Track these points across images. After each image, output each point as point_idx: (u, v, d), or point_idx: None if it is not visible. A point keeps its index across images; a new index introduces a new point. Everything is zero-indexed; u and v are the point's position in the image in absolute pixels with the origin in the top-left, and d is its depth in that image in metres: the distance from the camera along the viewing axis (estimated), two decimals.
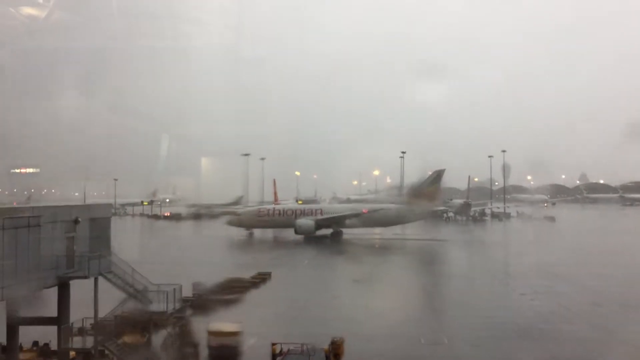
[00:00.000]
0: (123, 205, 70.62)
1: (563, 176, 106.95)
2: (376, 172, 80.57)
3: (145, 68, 55.50)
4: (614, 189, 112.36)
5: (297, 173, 68.11)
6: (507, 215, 78.11)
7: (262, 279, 28.17)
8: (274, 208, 56.00)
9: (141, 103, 54.67)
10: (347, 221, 50.80)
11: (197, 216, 63.97)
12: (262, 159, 59.98)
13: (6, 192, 58.22)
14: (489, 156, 70.84)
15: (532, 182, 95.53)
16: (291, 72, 56.46)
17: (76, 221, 16.11)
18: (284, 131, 59.14)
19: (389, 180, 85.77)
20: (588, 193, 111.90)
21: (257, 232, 51.56)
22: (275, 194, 66.90)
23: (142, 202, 68.62)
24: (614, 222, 69.15)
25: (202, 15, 61.91)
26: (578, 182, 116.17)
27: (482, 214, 77.34)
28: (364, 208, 52.37)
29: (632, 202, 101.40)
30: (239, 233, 50.45)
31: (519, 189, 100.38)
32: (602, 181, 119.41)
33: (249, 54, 60.29)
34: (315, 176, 67.27)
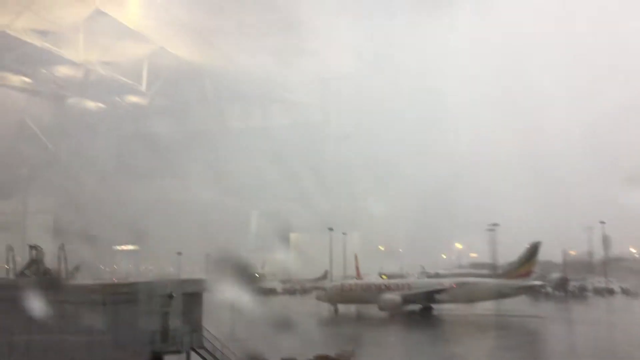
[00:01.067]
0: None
1: None
2: (459, 246, 78.06)
3: (235, 147, 57.85)
4: None
5: (381, 247, 67.29)
6: (611, 291, 72.49)
7: (347, 357, 27.58)
8: (357, 283, 54.95)
9: (233, 181, 56.71)
10: (437, 296, 48.70)
11: (288, 291, 64.33)
12: (344, 233, 59.97)
13: (107, 269, 61.17)
14: (588, 227, 66.49)
15: (637, 255, 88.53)
16: (375, 149, 56.96)
17: (170, 296, 16.69)
18: (368, 206, 59.07)
19: (475, 255, 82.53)
20: None
21: (343, 308, 50.66)
22: (357, 268, 66.20)
23: None
24: None
25: (289, 95, 64.45)
26: None
27: (583, 289, 72.25)
28: (454, 282, 50.16)
29: None
30: (327, 308, 49.87)
31: (621, 262, 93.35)
32: None
33: (335, 130, 61.81)
34: (400, 250, 66.08)
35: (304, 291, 62.00)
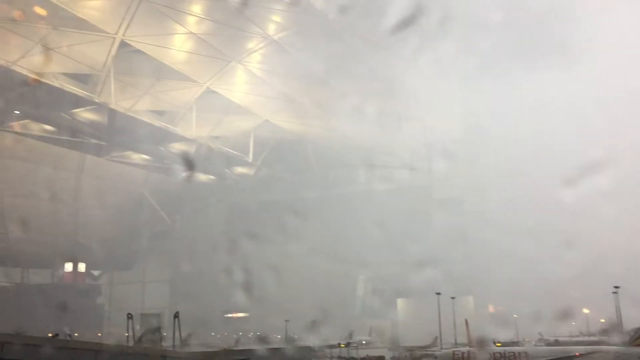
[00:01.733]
0: (322, 347, 71.44)
1: None
2: (586, 311, 72.40)
3: (338, 212, 58.53)
4: None
5: (491, 309, 64.02)
6: None
7: None
8: (468, 351, 52.23)
9: (340, 246, 57.07)
10: None
11: (397, 359, 62.34)
12: (452, 297, 57.72)
13: (218, 336, 62.59)
14: None
15: None
16: (485, 211, 55.31)
17: None
18: (480, 269, 56.78)
19: (603, 320, 75.82)
20: None
21: None
22: (468, 335, 62.93)
23: (339, 344, 68.79)
24: None
25: (392, 160, 64.76)
26: None
27: None
28: (577, 351, 46.24)
29: None
30: None
31: None
32: None
33: (441, 194, 60.95)
34: (515, 316, 62.42)
35: (413, 359, 59.77)
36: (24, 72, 44.78)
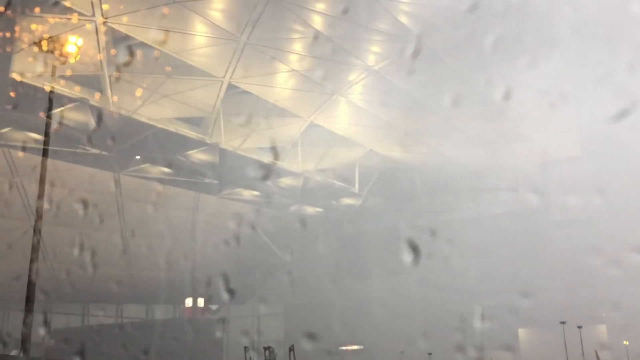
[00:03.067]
0: None
1: None
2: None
3: (449, 239, 56.77)
4: None
5: (626, 342, 58.81)
6: None
7: None
8: None
9: (448, 275, 55.39)
10: None
11: None
12: (579, 327, 53.82)
13: None
14: None
15: None
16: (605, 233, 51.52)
17: None
18: (607, 294, 52.64)
19: None
20: None
21: None
22: None
23: None
24: None
25: (501, 183, 62.53)
26: None
27: None
28: None
29: None
30: None
31: None
32: None
33: (557, 216, 57.87)
34: None
35: None
36: (143, 119, 48.11)
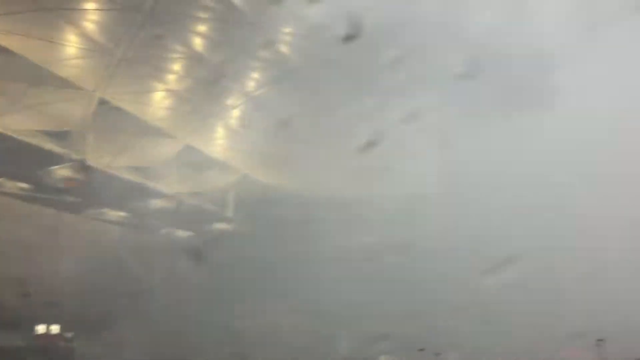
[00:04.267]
0: None
1: None
2: None
3: (318, 269, 57.81)
4: None
5: None
6: None
7: None
8: None
9: (320, 306, 56.33)
10: None
11: None
12: None
13: None
14: None
15: None
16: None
17: None
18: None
19: None
20: None
21: None
22: None
23: None
24: None
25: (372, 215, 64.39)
26: None
27: None
28: None
29: None
30: None
31: None
32: None
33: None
34: None
35: None
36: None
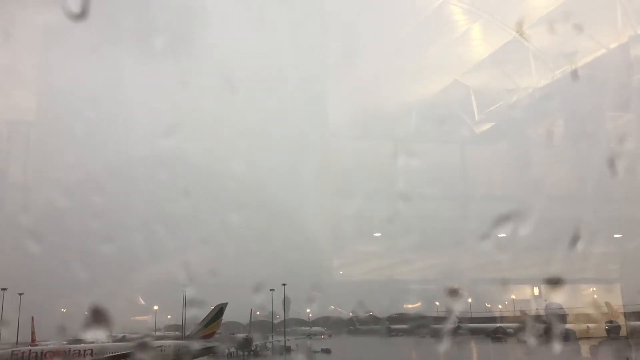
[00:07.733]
0: None
1: (339, 309, 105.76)
2: (156, 307, 78.96)
3: None
4: (382, 321, 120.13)
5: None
6: (288, 349, 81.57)
7: None
8: (29, 350, 51.20)
9: None
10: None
11: None
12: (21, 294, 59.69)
13: None
14: (271, 290, 73.78)
15: (310, 315, 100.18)
16: None
17: None
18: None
19: (170, 316, 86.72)
20: (359, 325, 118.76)
21: None
22: (33, 333, 60.87)
23: None
24: (379, 350, 78.83)
25: None
26: (351, 314, 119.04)
27: (264, 347, 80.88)
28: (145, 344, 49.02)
29: (397, 333, 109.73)
30: None
31: (300, 322, 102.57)
32: (371, 313, 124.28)
33: None
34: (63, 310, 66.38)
35: None
36: None
